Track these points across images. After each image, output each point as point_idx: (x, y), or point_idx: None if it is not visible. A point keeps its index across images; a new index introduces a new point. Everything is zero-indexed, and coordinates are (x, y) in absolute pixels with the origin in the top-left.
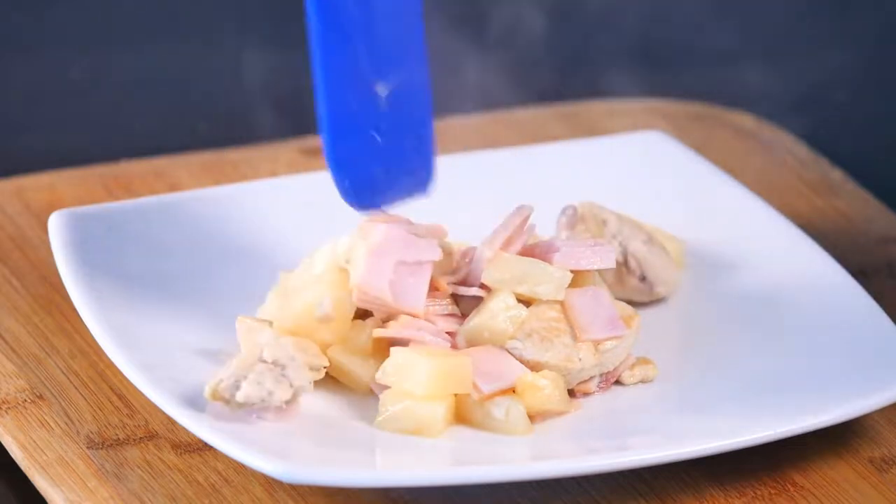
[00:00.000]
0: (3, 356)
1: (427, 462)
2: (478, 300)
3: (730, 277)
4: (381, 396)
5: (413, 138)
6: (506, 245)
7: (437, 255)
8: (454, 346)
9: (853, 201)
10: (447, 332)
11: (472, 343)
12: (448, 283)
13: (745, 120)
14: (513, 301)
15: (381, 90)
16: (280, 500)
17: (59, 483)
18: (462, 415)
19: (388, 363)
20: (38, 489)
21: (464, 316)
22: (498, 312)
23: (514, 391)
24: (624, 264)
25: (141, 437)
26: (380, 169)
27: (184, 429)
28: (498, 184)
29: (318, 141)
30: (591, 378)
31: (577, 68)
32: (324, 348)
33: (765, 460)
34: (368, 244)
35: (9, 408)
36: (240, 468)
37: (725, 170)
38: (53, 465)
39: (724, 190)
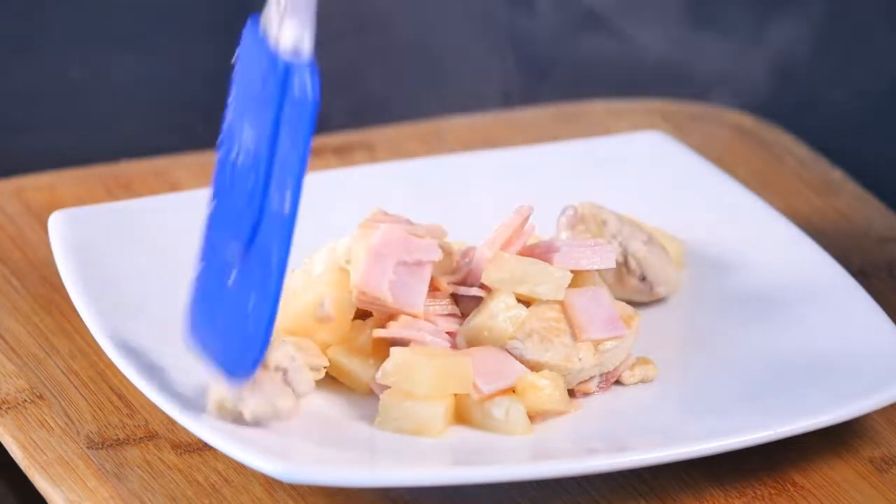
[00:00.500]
0: (3, 356)
1: (427, 462)
2: (478, 300)
3: (730, 277)
4: (381, 396)
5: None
6: (506, 245)
7: (437, 255)
8: (454, 346)
9: (853, 201)
10: (447, 332)
11: (472, 343)
12: (448, 283)
13: (745, 120)
14: (513, 301)
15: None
16: (280, 500)
17: (59, 483)
18: (462, 415)
19: (388, 363)
20: (38, 489)
21: (464, 316)
22: (498, 312)
23: (514, 391)
24: (624, 264)
25: (141, 437)
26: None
27: (184, 429)
28: (498, 184)
29: (317, 142)
30: (591, 378)
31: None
32: (323, 348)
33: (765, 460)
34: (368, 244)
35: (9, 408)
36: (240, 468)
37: (725, 170)
38: (53, 465)
39: (724, 190)
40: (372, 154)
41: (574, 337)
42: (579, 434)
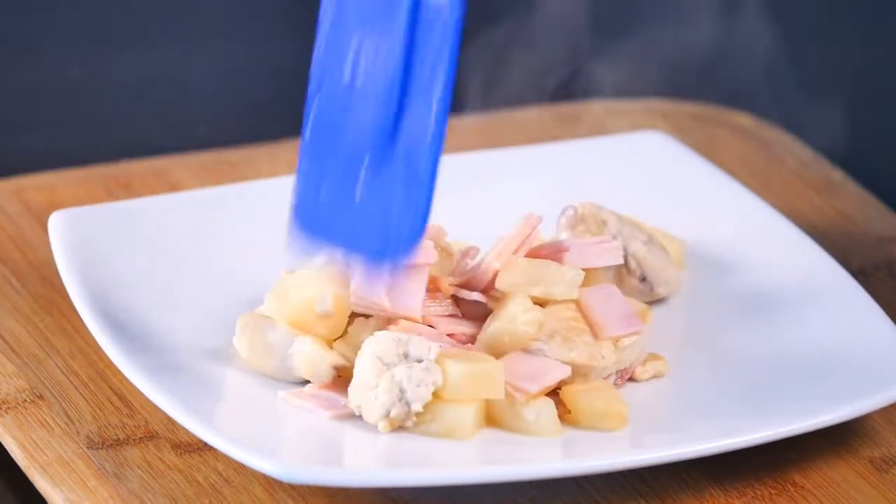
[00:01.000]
0: (3, 356)
1: (427, 462)
2: (481, 305)
3: (730, 278)
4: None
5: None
6: (514, 254)
7: (433, 257)
8: (456, 346)
9: (853, 201)
10: (448, 335)
11: (492, 349)
12: (450, 285)
13: (745, 120)
14: (529, 303)
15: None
16: (280, 500)
17: (59, 483)
18: (491, 417)
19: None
20: (38, 489)
21: (465, 317)
22: (517, 316)
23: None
24: (624, 265)
25: (141, 437)
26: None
27: (184, 429)
28: (498, 184)
29: None
30: (609, 376)
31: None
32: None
33: (765, 460)
34: None
35: (9, 408)
36: (240, 468)
37: (725, 170)
38: (53, 465)
39: (725, 190)
40: None
41: (594, 335)
42: (579, 434)
